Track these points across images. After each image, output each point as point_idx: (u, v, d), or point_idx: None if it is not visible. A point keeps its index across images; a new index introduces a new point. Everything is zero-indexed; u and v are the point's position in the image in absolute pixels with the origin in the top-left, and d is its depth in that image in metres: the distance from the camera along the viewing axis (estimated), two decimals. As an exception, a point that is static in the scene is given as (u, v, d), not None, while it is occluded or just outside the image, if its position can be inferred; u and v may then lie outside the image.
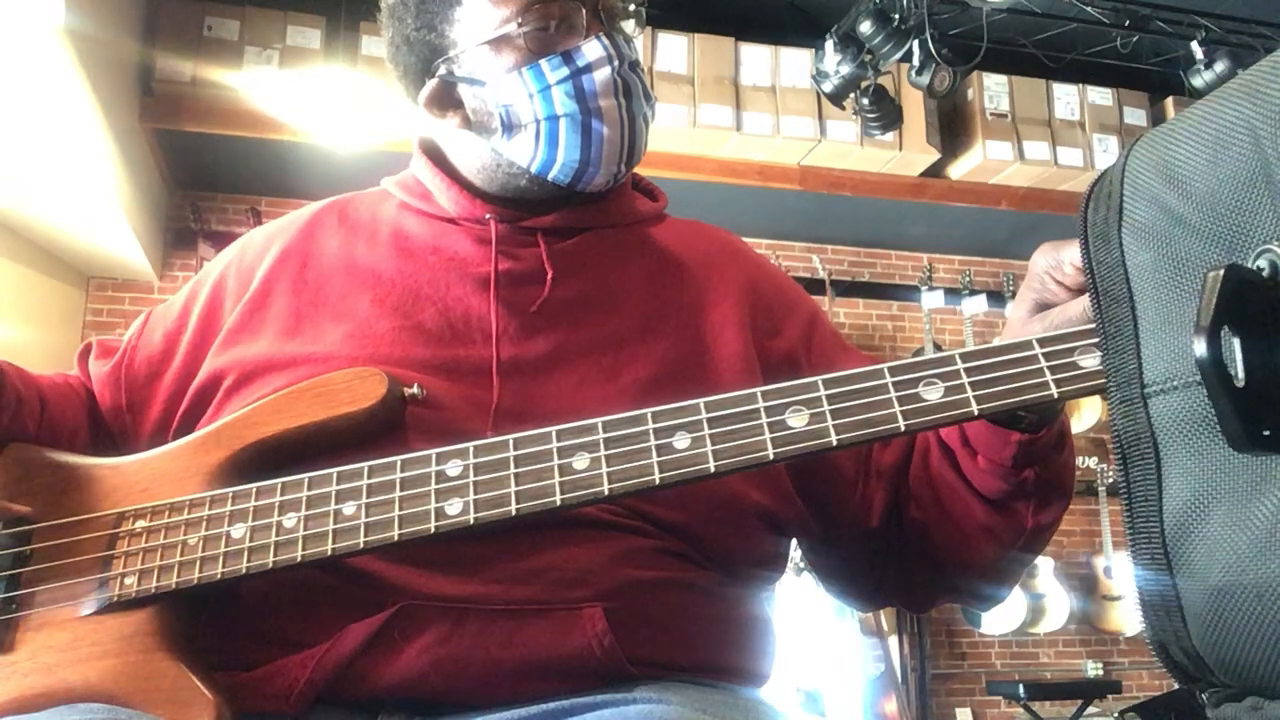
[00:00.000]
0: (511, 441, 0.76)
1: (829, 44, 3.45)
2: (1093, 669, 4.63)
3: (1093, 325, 0.63)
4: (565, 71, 0.91)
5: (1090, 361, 0.68)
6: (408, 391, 0.84)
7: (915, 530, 0.91)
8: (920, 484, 0.91)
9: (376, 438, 0.83)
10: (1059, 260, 0.73)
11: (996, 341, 0.74)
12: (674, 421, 0.74)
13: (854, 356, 0.98)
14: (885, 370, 0.72)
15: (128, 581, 0.80)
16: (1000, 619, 4.31)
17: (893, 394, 0.71)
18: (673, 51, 3.77)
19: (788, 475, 0.90)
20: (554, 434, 0.76)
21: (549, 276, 0.92)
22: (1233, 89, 0.52)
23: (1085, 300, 0.70)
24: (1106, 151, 4.07)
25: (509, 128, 0.93)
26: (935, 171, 4.10)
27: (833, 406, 0.72)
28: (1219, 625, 0.49)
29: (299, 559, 0.77)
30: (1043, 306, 0.75)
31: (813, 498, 0.92)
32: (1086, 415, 4.43)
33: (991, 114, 4.01)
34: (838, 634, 3.98)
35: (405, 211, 0.99)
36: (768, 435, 0.72)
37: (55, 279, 3.79)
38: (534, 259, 0.93)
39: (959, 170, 4.11)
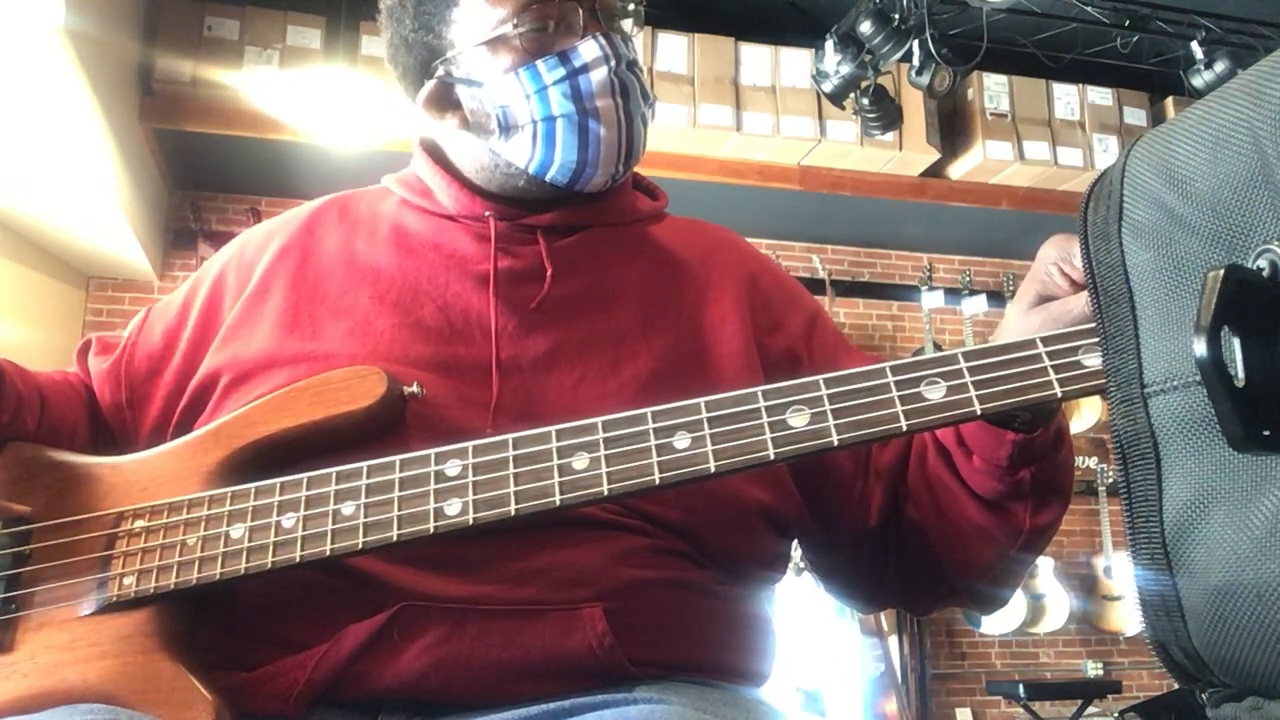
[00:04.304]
0: (511, 441, 0.76)
1: (829, 44, 3.45)
2: (1093, 669, 4.63)
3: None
4: (562, 72, 0.91)
5: (1094, 361, 0.67)
6: (407, 390, 0.83)
7: (913, 530, 0.91)
8: (917, 484, 0.91)
9: (376, 437, 0.82)
10: (1069, 253, 0.72)
11: (996, 336, 0.73)
12: (674, 421, 0.74)
13: (856, 356, 0.98)
14: (887, 369, 0.72)
15: (127, 581, 0.80)
16: (1000, 619, 4.30)
17: (895, 393, 0.71)
18: (673, 51, 3.77)
19: (788, 474, 0.90)
20: (553, 434, 0.75)
21: (548, 274, 0.92)
22: (1233, 89, 0.52)
23: (1087, 296, 0.70)
24: (1106, 151, 4.07)
25: (506, 129, 0.93)
26: (935, 171, 4.10)
27: (834, 406, 0.72)
28: (1219, 625, 0.49)
29: (298, 559, 0.77)
30: (1045, 299, 0.75)
31: (811, 496, 0.92)
32: (1086, 415, 4.43)
33: (991, 114, 4.01)
34: (838, 634, 3.98)
35: (405, 208, 0.99)
36: (768, 435, 0.72)
37: (55, 279, 3.79)
38: (533, 256, 0.93)
39: (959, 170, 4.10)
